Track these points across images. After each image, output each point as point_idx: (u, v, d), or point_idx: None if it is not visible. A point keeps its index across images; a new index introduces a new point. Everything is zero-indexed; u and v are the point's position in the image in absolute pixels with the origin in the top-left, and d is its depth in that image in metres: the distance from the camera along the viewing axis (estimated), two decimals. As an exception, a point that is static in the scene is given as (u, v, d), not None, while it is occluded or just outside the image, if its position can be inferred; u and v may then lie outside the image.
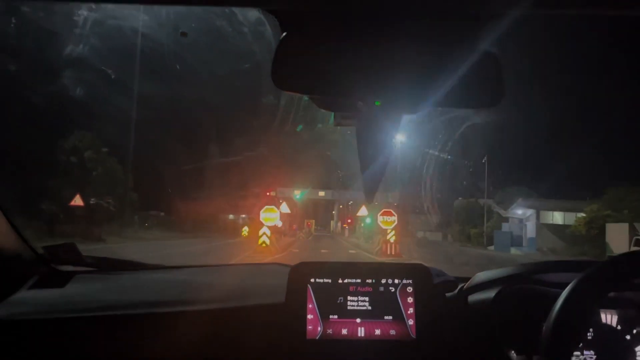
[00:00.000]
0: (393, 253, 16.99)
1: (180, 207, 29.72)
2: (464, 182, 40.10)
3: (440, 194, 36.69)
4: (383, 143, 0.91)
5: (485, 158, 38.08)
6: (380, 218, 17.71)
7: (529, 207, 34.30)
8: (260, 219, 16.52)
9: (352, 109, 0.91)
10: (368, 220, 24.10)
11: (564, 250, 29.03)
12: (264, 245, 16.30)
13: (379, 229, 18.94)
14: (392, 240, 17.29)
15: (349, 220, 43.96)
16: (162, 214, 33.85)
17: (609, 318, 1.36)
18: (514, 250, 31.37)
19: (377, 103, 0.80)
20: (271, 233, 16.59)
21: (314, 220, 62.71)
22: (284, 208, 21.61)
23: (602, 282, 0.99)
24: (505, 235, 34.05)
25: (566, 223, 32.24)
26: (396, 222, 17.79)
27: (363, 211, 23.61)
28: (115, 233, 22.65)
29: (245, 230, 28.62)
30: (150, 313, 1.39)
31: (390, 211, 17.91)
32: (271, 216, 16.48)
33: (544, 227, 32.94)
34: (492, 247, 33.77)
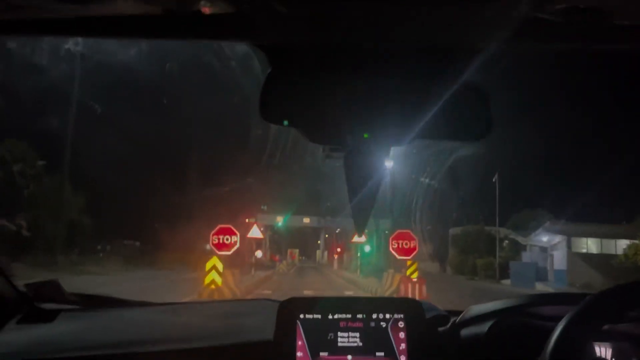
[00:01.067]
0: (417, 296, 10.75)
1: (158, 238, 28.96)
2: (454, 214, 39.30)
3: (430, 224, 35.75)
4: (372, 173, 0.89)
5: (496, 176, 32.93)
6: (393, 244, 11.89)
7: (557, 232, 28.67)
8: (211, 246, 10.61)
9: (341, 142, 0.90)
10: (367, 248, 18.24)
11: (604, 286, 23.28)
12: (212, 286, 10.32)
13: (387, 261, 14.64)
14: (414, 277, 11.32)
15: (339, 250, 37.89)
16: (138, 243, 32.68)
17: (603, 351, 1.30)
18: (540, 286, 25.59)
19: (366, 136, 0.81)
20: (225, 268, 10.62)
21: (297, 250, 57.91)
22: (255, 232, 15.71)
23: (596, 315, 1.00)
24: (528, 267, 28.53)
25: (603, 252, 27.05)
26: (417, 250, 12.02)
27: (360, 237, 17.84)
28: (48, 264, 19.97)
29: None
30: (137, 353, 1.37)
31: (408, 233, 12.15)
32: (226, 241, 10.51)
33: (576, 257, 27.26)
34: (507, 282, 28.62)
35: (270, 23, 0.69)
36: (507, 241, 34.98)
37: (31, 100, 24.01)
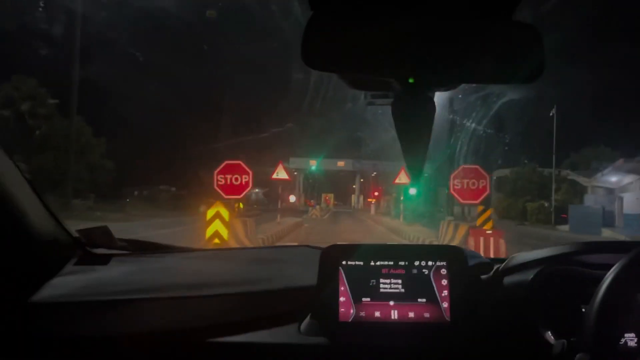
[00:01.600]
0: (492, 254, 7.64)
1: (194, 183, 27.40)
2: (499, 160, 36.54)
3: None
4: (421, 119, 0.87)
5: (554, 110, 29.17)
6: (454, 183, 9.04)
7: (630, 172, 25.04)
8: (216, 188, 8.05)
9: (384, 88, 0.90)
10: (413, 191, 15.46)
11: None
12: (216, 240, 7.80)
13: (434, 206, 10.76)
14: (488, 229, 8.47)
15: (376, 193, 35.15)
16: (174, 189, 33.58)
17: None
18: (607, 232, 22.44)
19: (411, 80, 0.78)
20: (237, 217, 8.04)
21: (332, 195, 56.02)
22: (281, 173, 13.21)
23: None
24: (592, 211, 25.11)
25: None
26: (488, 193, 9.20)
27: (404, 177, 15.04)
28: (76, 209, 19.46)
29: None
30: (185, 296, 1.41)
31: (476, 169, 9.19)
32: (235, 181, 7.92)
33: (653, 200, 23.76)
34: (564, 227, 25.64)
35: None
36: (565, 183, 31.57)
37: (67, 45, 22.40)
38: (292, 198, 37.45)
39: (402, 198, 19.30)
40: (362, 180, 52.93)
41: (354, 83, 0.90)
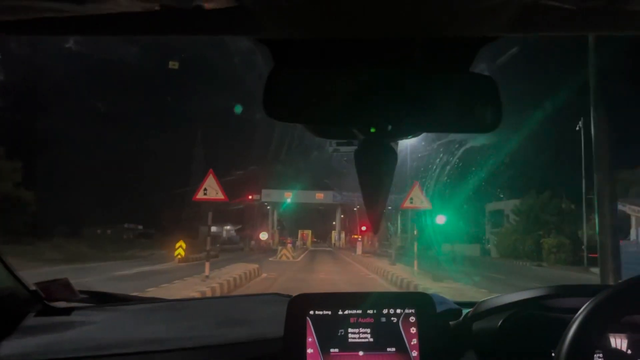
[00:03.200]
0: None
1: (161, 222, 28.05)
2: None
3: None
4: (383, 168, 0.88)
5: (581, 122, 24.03)
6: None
7: None
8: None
9: (349, 136, 0.93)
10: (441, 220, 9.31)
11: None
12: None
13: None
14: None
15: (364, 228, 28.42)
16: (140, 227, 34.00)
17: (619, 342, 1.34)
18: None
19: (373, 130, 0.80)
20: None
21: (310, 231, 49.86)
22: (211, 187, 6.88)
23: (614, 308, 1.00)
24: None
25: None
26: None
27: (419, 198, 8.91)
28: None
29: (179, 249, 16.89)
30: (150, 351, 1.39)
31: None
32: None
33: None
34: (596, 269, 19.19)
35: (272, 16, 0.68)
36: (594, 214, 25.86)
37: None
38: (264, 235, 34.31)
39: (415, 232, 12.81)
40: (342, 216, 47.41)
41: (318, 132, 0.92)
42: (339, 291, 1.49)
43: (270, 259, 21.64)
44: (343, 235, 46.97)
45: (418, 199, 9.24)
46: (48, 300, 1.62)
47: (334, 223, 49.82)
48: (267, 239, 34.41)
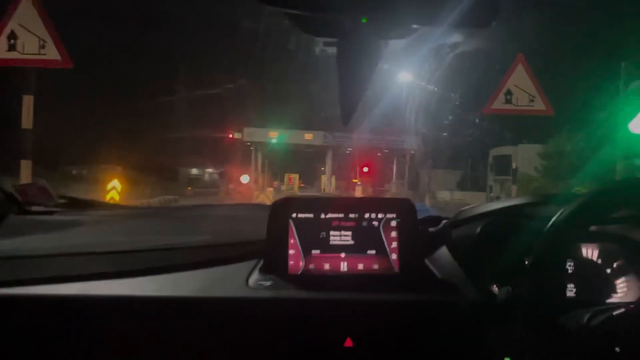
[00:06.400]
0: None
1: (132, 159, 22.94)
2: (469, 138, 29.79)
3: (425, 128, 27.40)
4: (366, 63, 0.89)
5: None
6: None
7: None
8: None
9: (337, 32, 0.90)
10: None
11: None
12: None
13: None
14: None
15: (365, 169, 23.77)
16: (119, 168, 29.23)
17: (590, 252, 1.38)
18: None
19: (364, 20, 0.79)
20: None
21: (297, 175, 45.73)
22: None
23: (583, 216, 1.01)
24: None
25: None
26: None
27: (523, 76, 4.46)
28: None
29: (112, 191, 12.00)
30: (129, 250, 1.40)
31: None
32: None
33: None
34: None
35: None
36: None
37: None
38: (245, 178, 30.34)
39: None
40: (333, 161, 43.23)
41: (307, 26, 0.89)
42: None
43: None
44: (334, 180, 42.79)
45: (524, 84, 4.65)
46: (25, 204, 1.64)
47: (322, 169, 45.76)
48: (248, 182, 30.88)
